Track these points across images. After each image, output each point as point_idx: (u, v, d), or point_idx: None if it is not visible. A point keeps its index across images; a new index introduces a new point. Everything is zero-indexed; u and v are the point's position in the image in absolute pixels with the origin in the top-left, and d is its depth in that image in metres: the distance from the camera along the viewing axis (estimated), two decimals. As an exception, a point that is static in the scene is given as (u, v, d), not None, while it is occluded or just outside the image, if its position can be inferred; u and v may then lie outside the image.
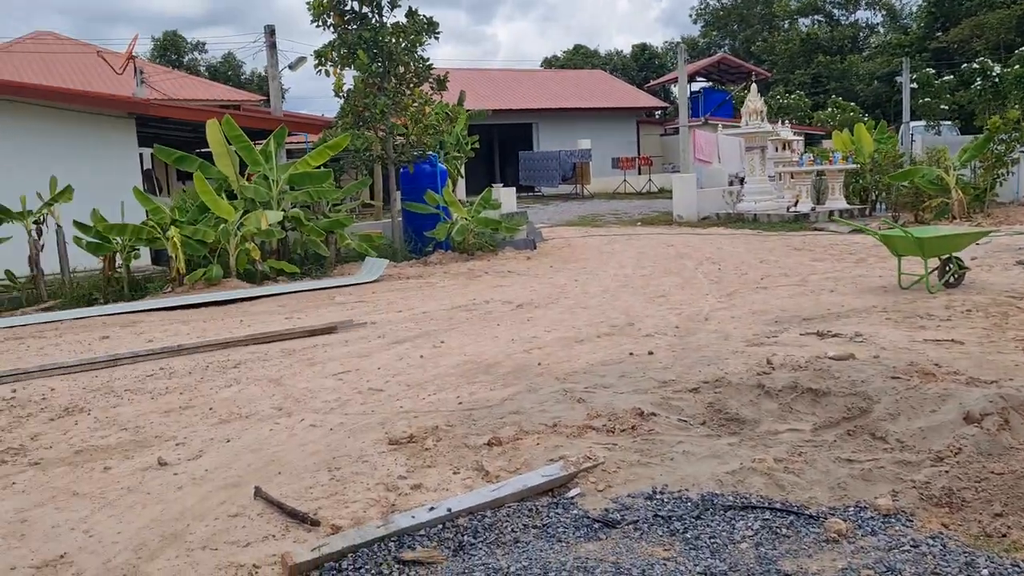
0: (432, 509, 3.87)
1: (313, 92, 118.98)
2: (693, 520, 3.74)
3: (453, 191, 16.85)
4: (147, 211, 13.43)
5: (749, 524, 3.66)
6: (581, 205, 29.56)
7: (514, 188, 20.52)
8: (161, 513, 4.11)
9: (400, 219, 15.90)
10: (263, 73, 62.60)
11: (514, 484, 4.16)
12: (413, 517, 3.80)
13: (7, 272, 12.31)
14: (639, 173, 36.54)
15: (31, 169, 13.36)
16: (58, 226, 12.49)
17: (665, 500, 3.95)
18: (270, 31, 18.87)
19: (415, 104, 14.89)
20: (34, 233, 12.28)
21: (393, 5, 14.94)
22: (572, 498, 4.05)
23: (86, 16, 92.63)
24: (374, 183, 19.37)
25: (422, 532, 3.72)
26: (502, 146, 40.65)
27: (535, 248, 15.78)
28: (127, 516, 4.10)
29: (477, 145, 19.80)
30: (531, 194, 34.47)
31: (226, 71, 60.91)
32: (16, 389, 6.74)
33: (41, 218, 12.38)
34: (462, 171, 21.03)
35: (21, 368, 7.35)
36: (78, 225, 12.62)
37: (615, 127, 39.51)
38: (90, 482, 4.60)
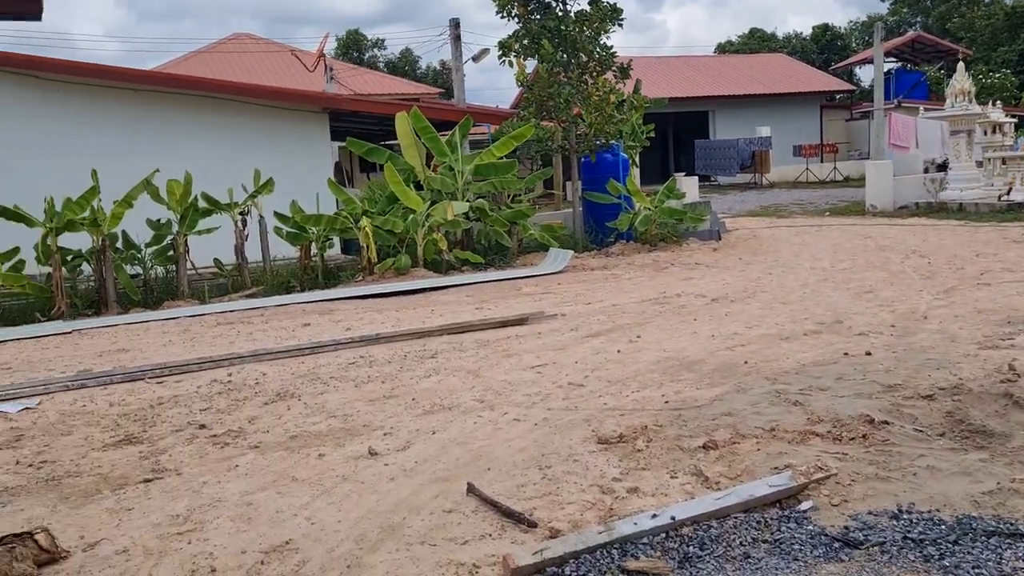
0: (655, 516, 3.67)
1: (483, 85, 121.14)
2: (950, 546, 3.35)
3: (632, 181, 16.54)
4: (340, 202, 13.94)
5: (1020, 555, 3.24)
6: (761, 195, 28.48)
7: (696, 178, 19.92)
8: (377, 504, 4.11)
9: (581, 209, 15.76)
10: (438, 67, 64.42)
11: (739, 493, 3.89)
12: (635, 524, 3.61)
13: (215, 260, 13.08)
14: (822, 161, 34.83)
15: (237, 163, 14.13)
16: (260, 217, 13.16)
17: (914, 521, 3.57)
18: (455, 24, 19.19)
19: (599, 93, 14.67)
20: (239, 223, 12.97)
21: (578, -7, 14.81)
22: (804, 512, 3.74)
23: (275, 17, 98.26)
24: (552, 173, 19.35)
25: (645, 540, 3.53)
26: (676, 135, 39.81)
27: (720, 239, 15.24)
28: (345, 505, 4.13)
29: (652, 134, 19.37)
30: (707, 183, 33.54)
31: (403, 66, 62.92)
32: (232, 373, 7.06)
33: (246, 209, 13.08)
34: (637, 160, 20.68)
35: (235, 353, 7.72)
36: (278, 216, 13.25)
37: (796, 113, 37.80)
38: (307, 468, 4.69)
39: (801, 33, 65.95)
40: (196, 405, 6.17)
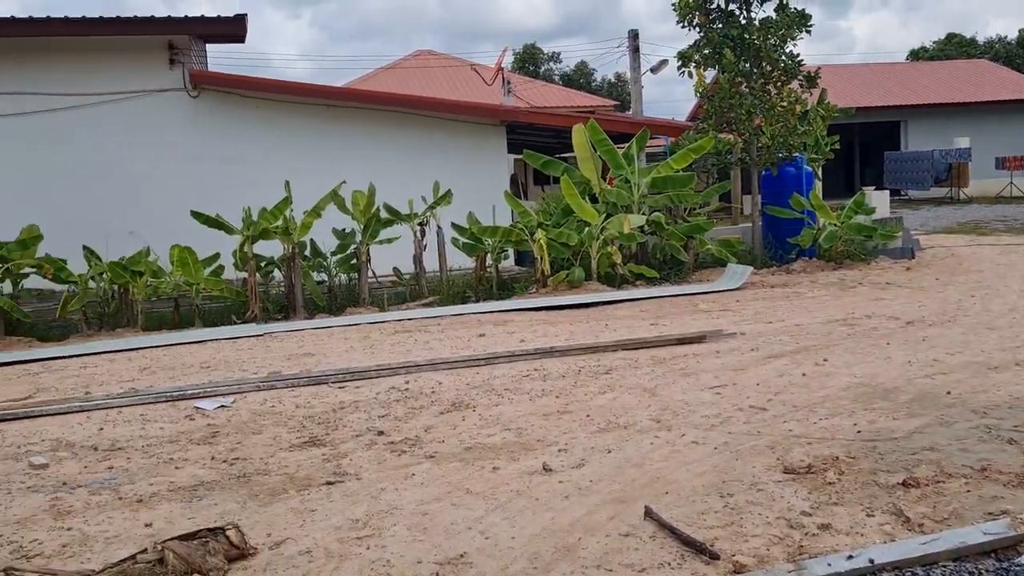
0: (851, 558, 3.38)
1: (658, 96, 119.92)
2: None
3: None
4: (515, 214, 14.08)
5: None
6: (958, 210, 26.55)
7: (887, 192, 18.79)
8: (551, 522, 4.03)
9: (760, 224, 15.20)
10: (612, 80, 64.41)
11: (949, 539, 3.53)
12: (829, 565, 3.34)
13: (395, 269, 13.52)
14: (1029, 174, 32.10)
15: (417, 175, 14.56)
16: (438, 228, 13.50)
17: None
18: (633, 35, 19.06)
19: (783, 103, 14.11)
20: (418, 234, 13.35)
21: (763, 0, 14.30)
22: (1026, 566, 3.35)
23: (455, 33, 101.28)
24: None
25: (838, 583, 3.26)
26: (863, 146, 37.80)
27: (913, 257, 14.26)
28: (519, 521, 4.07)
29: (837, 146, 18.42)
30: (897, 198, 31.61)
31: (578, 79, 63.24)
32: (409, 381, 7.21)
33: (425, 220, 13.44)
34: (819, 174, 19.75)
35: (413, 361, 7.89)
36: (455, 227, 13.54)
37: (999, 122, 34.96)
38: (481, 481, 4.68)
39: (1006, 37, 61.25)
40: (375, 411, 6.32)
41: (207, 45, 16.32)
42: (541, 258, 12.59)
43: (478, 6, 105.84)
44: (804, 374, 6.69)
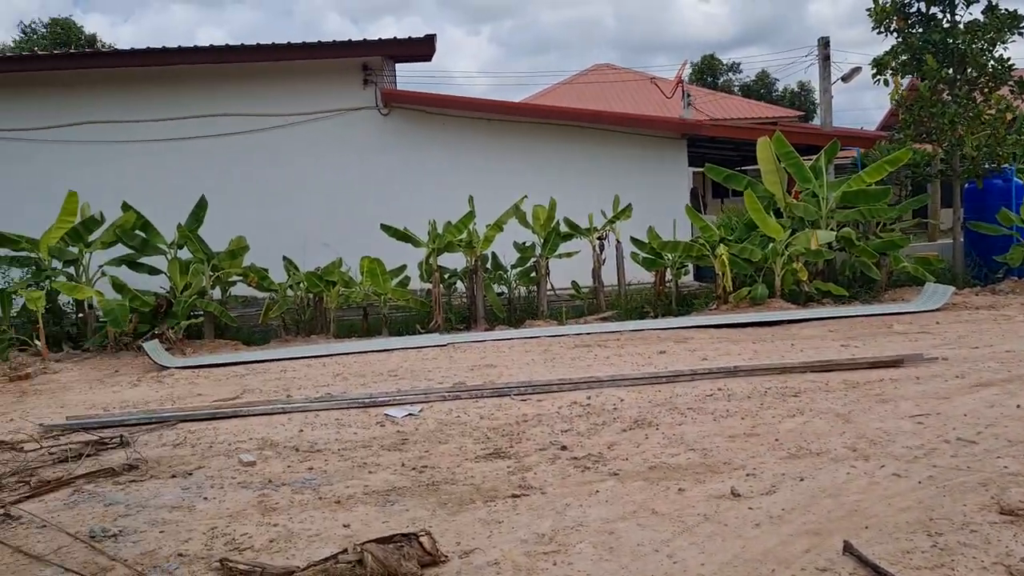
0: (1084, 614, 3.08)
1: (845, 105, 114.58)
2: None
3: None
4: (695, 228, 13.84)
5: None
6: None
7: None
8: (742, 550, 3.90)
9: (961, 240, 14.21)
10: (796, 89, 62.14)
11: None
12: (1058, 620, 3.06)
13: (573, 283, 13.60)
14: None
15: (596, 189, 14.64)
16: (617, 242, 13.47)
17: None
18: (823, 43, 18.32)
19: (992, 111, 13.14)
20: (597, 248, 13.38)
21: (969, 2, 13.38)
22: None
23: (633, 47, 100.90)
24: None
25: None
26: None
27: None
28: (708, 547, 3.97)
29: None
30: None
31: (759, 89, 61.44)
32: (591, 396, 7.22)
33: (604, 234, 13.45)
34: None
35: (593, 376, 7.90)
36: (634, 241, 13.47)
37: None
38: (666, 502, 4.60)
39: None
40: (558, 426, 6.36)
41: (396, 64, 17.07)
42: (723, 274, 12.31)
43: (655, 18, 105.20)
44: (1019, 405, 6.17)
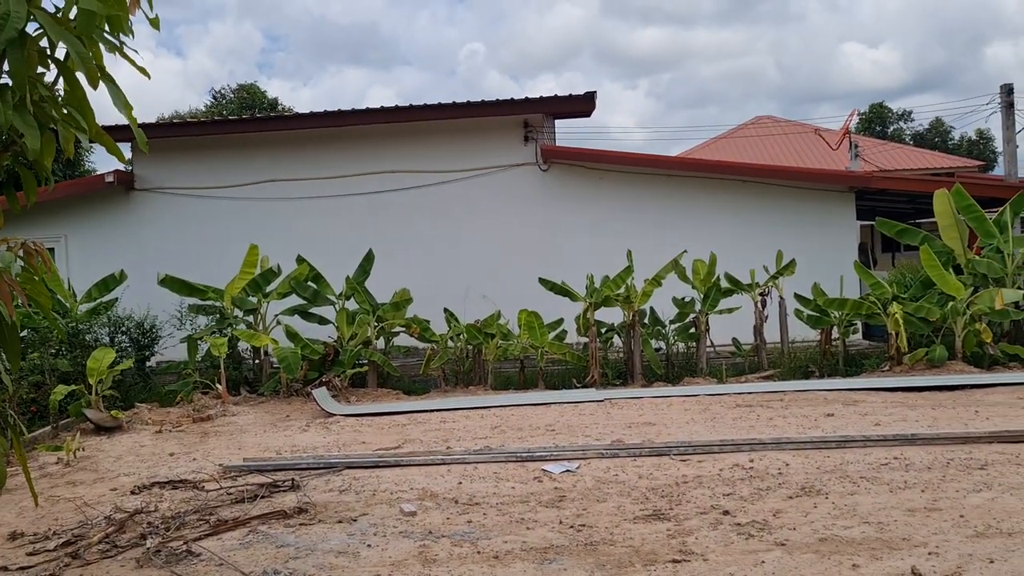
0: None
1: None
2: None
3: None
4: (866, 285, 13.22)
5: None
6: None
7: None
8: (926, 637, 3.62)
9: None
10: (973, 138, 58.71)
11: None
12: None
13: (734, 340, 13.24)
14: None
15: (758, 243, 14.28)
16: (781, 298, 13.05)
17: None
18: (1007, 90, 17.30)
19: None
20: (759, 304, 12.99)
21: None
22: None
23: (794, 98, 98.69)
24: None
25: None
26: None
27: None
28: (886, 630, 3.71)
29: None
30: None
31: (932, 138, 58.47)
32: (753, 459, 6.96)
33: (766, 290, 13.06)
34: None
35: (756, 438, 7.62)
36: (798, 298, 12.99)
37: None
38: (839, 578, 4.35)
39: None
40: (719, 489, 6.16)
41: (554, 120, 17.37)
42: (896, 333, 11.64)
43: (819, 68, 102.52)
44: None
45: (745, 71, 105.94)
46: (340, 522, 5.76)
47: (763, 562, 4.63)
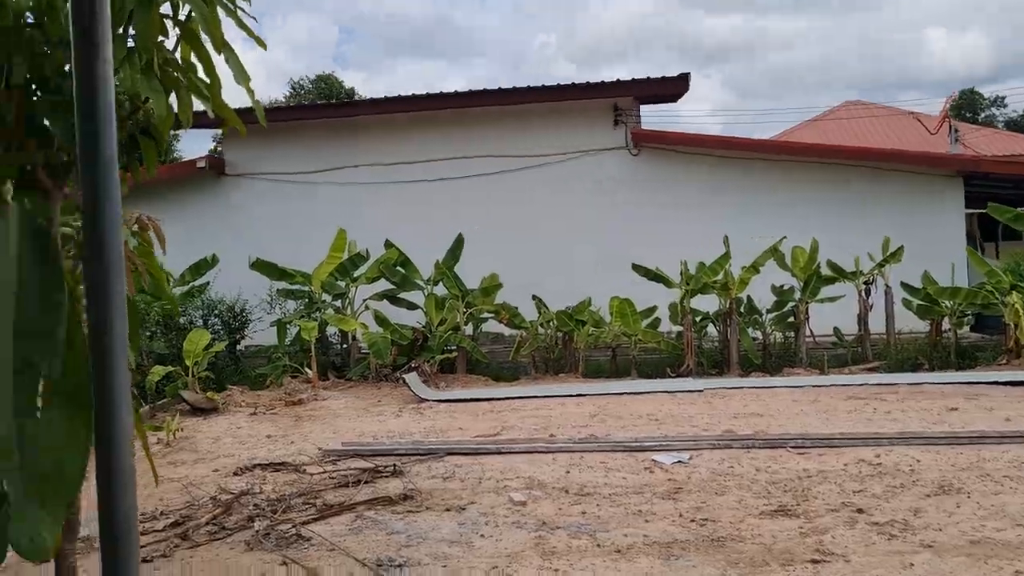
0: None
1: None
2: None
3: None
4: (978, 273, 12.53)
5: None
6: None
7: None
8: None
9: None
10: (1077, 122, 55.84)
11: None
12: None
13: (835, 329, 12.70)
14: None
15: (860, 230, 13.64)
16: (887, 287, 12.46)
17: None
18: None
19: None
20: (863, 293, 12.43)
21: None
22: None
23: (874, 85, 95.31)
24: None
25: None
26: None
27: None
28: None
29: None
30: None
31: (1025, 123, 55.86)
32: (879, 454, 6.55)
33: (871, 278, 12.49)
34: None
35: (878, 432, 7.19)
36: (905, 287, 12.40)
37: None
38: (1003, 585, 3.97)
39: None
40: (847, 485, 5.78)
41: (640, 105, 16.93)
42: (1015, 324, 10.98)
43: (903, 53, 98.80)
44: None
45: (824, 58, 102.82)
46: (448, 510, 5.57)
47: (911, 564, 4.28)
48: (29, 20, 3.16)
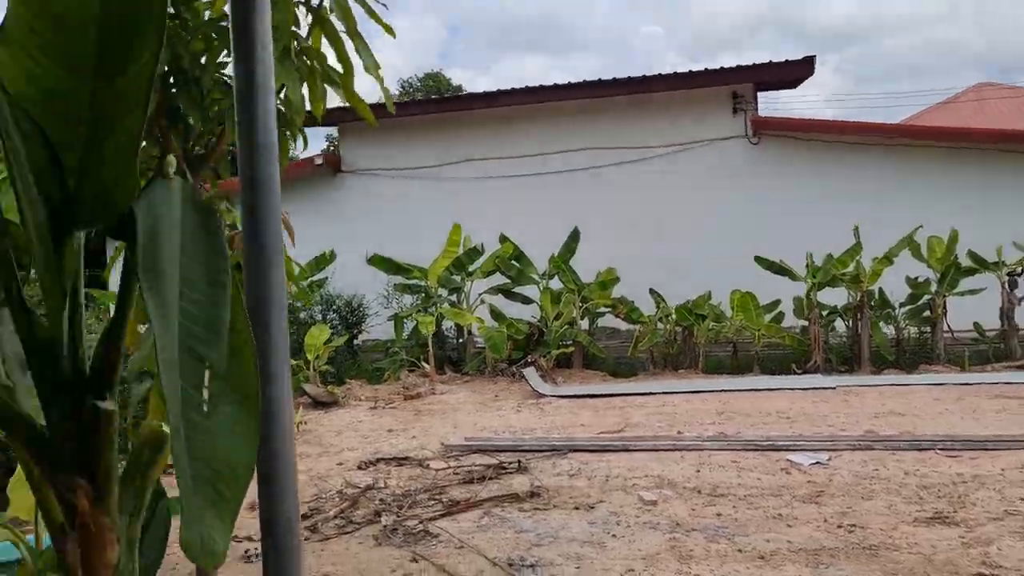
0: None
1: None
2: None
3: None
4: None
5: None
6: None
7: None
8: None
9: None
10: None
11: None
12: None
13: (975, 324, 11.94)
14: None
15: (1004, 219, 12.77)
16: (1032, 279, 11.64)
17: None
18: None
19: None
20: (1007, 285, 11.64)
21: None
22: None
23: (998, 68, 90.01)
24: None
25: None
26: None
27: None
28: None
29: None
30: None
31: None
32: (1042, 458, 6.04)
33: (1016, 270, 11.68)
34: None
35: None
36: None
37: None
38: None
39: None
40: (1008, 492, 5.33)
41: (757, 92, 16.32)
42: None
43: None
44: None
45: (942, 42, 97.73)
46: (577, 508, 5.41)
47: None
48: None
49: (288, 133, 3.49)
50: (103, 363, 1.29)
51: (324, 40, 3.56)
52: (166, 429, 1.36)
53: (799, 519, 5.01)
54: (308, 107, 3.64)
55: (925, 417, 7.79)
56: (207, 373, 1.22)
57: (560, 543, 4.76)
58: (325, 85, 3.68)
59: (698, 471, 6.19)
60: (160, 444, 1.36)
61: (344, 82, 3.67)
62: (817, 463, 6.21)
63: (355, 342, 14.39)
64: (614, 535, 4.87)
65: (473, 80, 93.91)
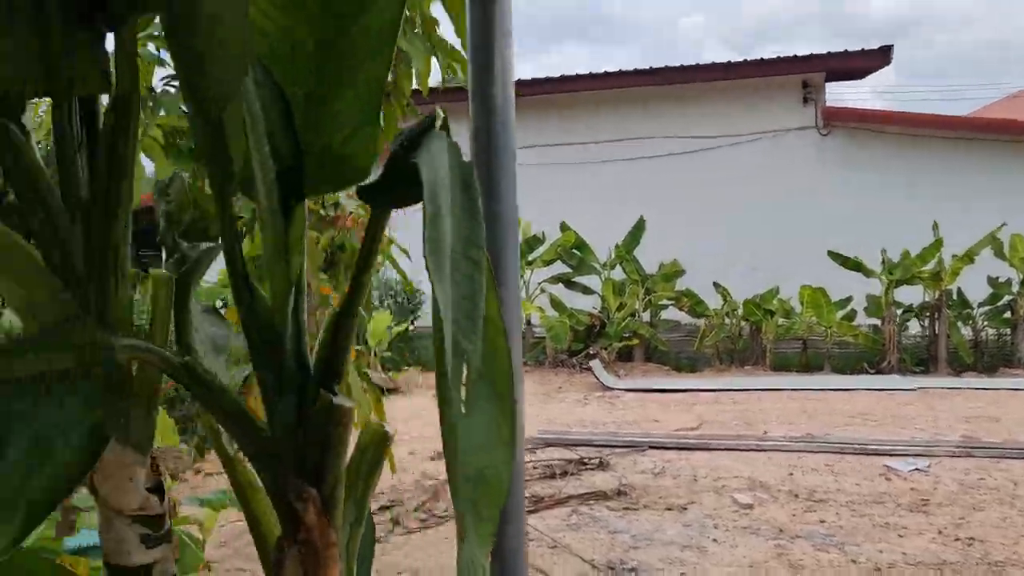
0: None
1: None
2: None
3: None
4: None
5: None
6: None
7: None
8: None
9: None
10: None
11: None
12: None
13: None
14: None
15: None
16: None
17: None
18: None
19: None
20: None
21: None
22: None
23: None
24: None
25: None
26: None
27: None
28: None
29: None
30: None
31: None
32: None
33: (1106, 271, 11.19)
34: None
35: None
36: None
37: None
38: None
39: None
40: None
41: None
42: None
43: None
44: None
45: (997, 36, 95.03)
46: (669, 509, 5.18)
47: None
48: None
49: (406, 104, 3.30)
50: (331, 352, 1.10)
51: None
52: (386, 427, 1.18)
53: (910, 529, 4.74)
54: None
55: (1014, 424, 7.43)
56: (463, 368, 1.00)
57: (657, 546, 4.55)
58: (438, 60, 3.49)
59: (791, 474, 5.92)
60: (385, 444, 1.17)
61: (457, 57, 3.47)
62: (916, 469, 5.91)
63: (411, 329, 14.25)
64: (714, 539, 4.64)
65: (519, 69, 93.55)
